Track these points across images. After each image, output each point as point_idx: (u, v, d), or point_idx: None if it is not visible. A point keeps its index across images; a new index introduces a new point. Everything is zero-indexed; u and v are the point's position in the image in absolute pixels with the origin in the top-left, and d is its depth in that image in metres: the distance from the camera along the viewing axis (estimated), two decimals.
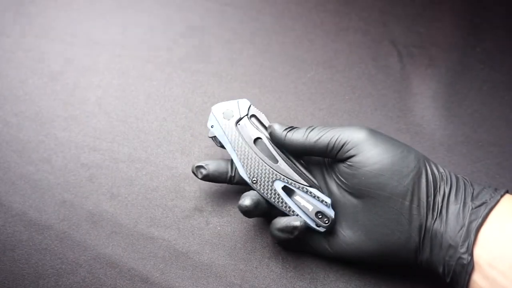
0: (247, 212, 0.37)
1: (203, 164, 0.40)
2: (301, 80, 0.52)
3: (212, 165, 0.40)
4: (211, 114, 0.40)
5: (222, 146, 0.40)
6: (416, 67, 0.53)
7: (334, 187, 0.38)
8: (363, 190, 0.35)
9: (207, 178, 0.40)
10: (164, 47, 0.54)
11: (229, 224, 0.42)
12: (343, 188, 0.37)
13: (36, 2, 0.56)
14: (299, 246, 0.39)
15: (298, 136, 0.37)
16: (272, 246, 0.41)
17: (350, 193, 0.36)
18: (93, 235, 0.41)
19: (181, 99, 0.50)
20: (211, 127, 0.40)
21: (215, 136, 0.40)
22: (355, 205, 0.36)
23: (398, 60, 0.54)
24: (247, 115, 0.40)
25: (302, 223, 0.36)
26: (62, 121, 0.47)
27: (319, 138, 0.36)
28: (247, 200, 0.36)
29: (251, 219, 0.42)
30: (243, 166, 0.38)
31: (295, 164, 0.39)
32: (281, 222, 0.36)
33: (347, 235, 0.37)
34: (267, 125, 0.40)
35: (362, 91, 0.51)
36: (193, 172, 0.40)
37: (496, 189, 0.34)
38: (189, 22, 0.56)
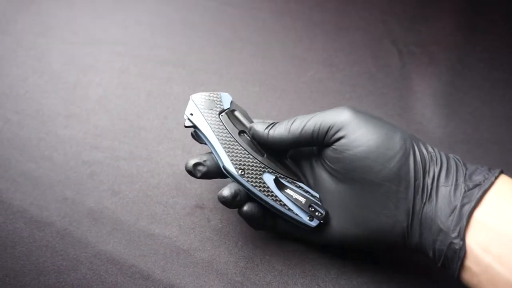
0: (225, 202, 0.35)
1: (199, 161, 0.36)
2: (302, 79, 0.52)
3: (209, 160, 0.37)
4: (190, 101, 0.38)
5: (202, 142, 0.38)
6: (416, 65, 0.53)
7: (321, 173, 0.37)
8: (348, 174, 0.34)
9: (206, 175, 0.37)
10: (165, 46, 0.54)
11: (230, 222, 0.42)
12: (329, 173, 0.36)
13: (37, 1, 0.57)
14: (284, 231, 0.39)
15: (280, 131, 0.35)
16: (274, 243, 0.41)
17: (337, 178, 0.35)
18: (94, 232, 0.41)
19: (182, 97, 0.50)
20: (190, 114, 0.37)
21: (194, 126, 0.37)
22: (342, 190, 0.35)
23: (399, 58, 0.54)
24: (229, 108, 0.38)
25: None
26: (63, 119, 0.47)
27: (303, 128, 0.35)
28: (225, 190, 0.35)
29: None
30: (228, 156, 0.36)
31: (280, 158, 0.38)
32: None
33: (334, 220, 0.36)
34: (249, 122, 0.38)
35: (362, 89, 0.52)
36: (190, 172, 0.37)
37: (490, 169, 0.32)
38: (190, 21, 0.56)
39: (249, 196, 0.37)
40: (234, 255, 0.40)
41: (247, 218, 0.36)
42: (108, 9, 0.57)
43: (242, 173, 0.36)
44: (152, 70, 0.52)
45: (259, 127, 0.36)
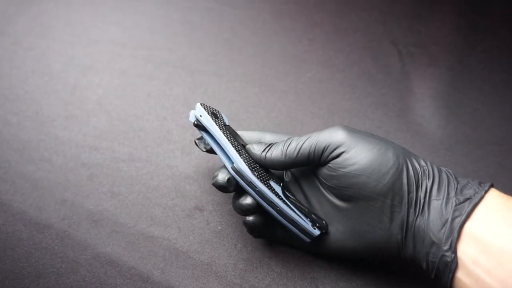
0: (222, 187, 0.36)
1: (229, 175, 0.36)
2: (301, 80, 0.52)
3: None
4: (198, 106, 0.38)
5: (205, 147, 0.39)
6: (416, 66, 0.53)
7: (317, 188, 0.38)
8: (343, 190, 0.34)
9: (237, 187, 0.37)
10: (164, 47, 0.54)
11: (229, 224, 0.42)
12: (325, 189, 0.37)
13: (37, 2, 0.57)
14: (283, 240, 0.39)
15: (277, 155, 0.36)
16: (273, 245, 0.41)
17: (333, 194, 0.36)
18: (94, 234, 0.41)
19: (181, 98, 0.50)
20: (200, 116, 0.37)
21: (203, 127, 0.37)
22: (338, 205, 0.36)
23: (398, 59, 0.54)
24: (229, 125, 0.39)
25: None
26: (63, 120, 0.47)
27: (299, 151, 0.35)
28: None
29: None
30: (241, 157, 0.36)
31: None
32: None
33: (332, 234, 0.37)
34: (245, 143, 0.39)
35: (362, 90, 0.51)
36: (223, 187, 0.37)
37: (480, 183, 0.33)
38: (189, 22, 0.56)
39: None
40: (233, 257, 0.40)
41: (252, 228, 0.37)
42: (107, 10, 0.57)
43: (254, 173, 0.36)
44: (151, 71, 0.52)
45: (256, 149, 0.37)
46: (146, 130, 0.47)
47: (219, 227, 0.42)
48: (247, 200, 0.36)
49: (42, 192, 0.43)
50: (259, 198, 0.36)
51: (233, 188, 0.37)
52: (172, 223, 0.42)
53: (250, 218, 0.36)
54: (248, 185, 0.36)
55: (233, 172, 0.36)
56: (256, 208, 0.36)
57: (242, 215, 0.37)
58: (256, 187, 0.35)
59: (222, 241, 0.41)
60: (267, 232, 0.39)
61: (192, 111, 0.38)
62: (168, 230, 0.41)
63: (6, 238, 0.40)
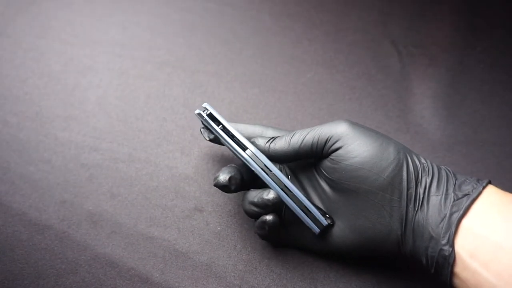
0: (224, 186, 0.36)
1: (231, 174, 0.36)
2: (301, 80, 0.52)
3: (235, 171, 0.37)
4: (206, 104, 0.38)
5: (211, 140, 0.39)
6: (416, 67, 0.53)
7: (318, 183, 0.38)
8: (344, 184, 0.35)
9: (240, 187, 0.37)
10: (164, 47, 0.54)
11: (229, 225, 0.42)
12: (327, 184, 0.37)
13: (37, 2, 0.57)
14: (287, 241, 0.39)
15: (281, 145, 0.37)
16: (273, 246, 0.41)
17: (334, 188, 0.36)
18: (93, 235, 0.41)
19: (181, 99, 0.50)
20: (209, 111, 0.38)
21: (214, 118, 0.37)
22: (339, 200, 0.36)
23: (398, 60, 0.54)
24: None
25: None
26: (62, 121, 0.47)
27: (302, 141, 0.36)
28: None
29: (251, 220, 0.42)
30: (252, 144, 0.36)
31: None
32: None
33: (332, 229, 0.37)
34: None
35: (362, 91, 0.51)
36: (224, 186, 0.36)
37: (478, 180, 0.34)
38: (189, 22, 0.56)
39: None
40: (233, 258, 0.40)
41: (272, 228, 0.36)
42: (107, 10, 0.57)
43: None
44: (151, 72, 0.52)
45: (260, 141, 0.38)
46: (145, 130, 0.47)
47: (219, 228, 0.42)
48: (272, 194, 0.35)
49: (42, 193, 0.43)
50: (274, 183, 0.36)
51: (234, 187, 0.37)
52: (171, 224, 0.42)
53: (270, 218, 0.36)
54: (262, 169, 0.36)
55: (248, 157, 0.36)
56: (281, 203, 0.36)
57: (263, 213, 0.36)
58: (271, 170, 0.36)
59: (221, 242, 0.41)
60: (274, 234, 0.38)
61: (197, 110, 0.38)
62: (168, 231, 0.41)
63: (5, 239, 0.40)
